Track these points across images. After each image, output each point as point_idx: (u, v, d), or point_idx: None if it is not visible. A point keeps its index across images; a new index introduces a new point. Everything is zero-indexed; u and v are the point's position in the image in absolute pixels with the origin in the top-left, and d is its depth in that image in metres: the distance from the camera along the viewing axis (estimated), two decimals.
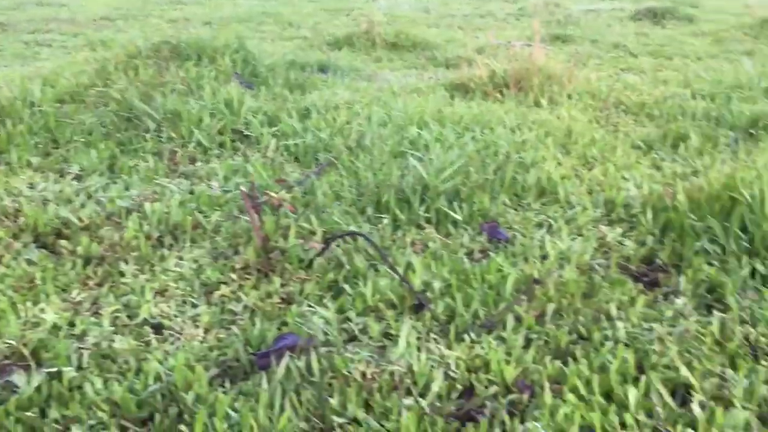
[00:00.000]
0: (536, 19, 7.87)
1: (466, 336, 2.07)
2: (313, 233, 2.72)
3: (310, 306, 2.25)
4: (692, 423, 1.71)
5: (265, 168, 3.38)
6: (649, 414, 1.75)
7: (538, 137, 3.87)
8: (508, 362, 1.93)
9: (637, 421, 1.72)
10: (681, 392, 1.85)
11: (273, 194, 2.70)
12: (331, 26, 8.92)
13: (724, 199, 2.69)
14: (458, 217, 2.87)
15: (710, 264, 2.51)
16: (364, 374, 1.86)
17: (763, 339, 2.05)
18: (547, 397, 1.78)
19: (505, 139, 3.71)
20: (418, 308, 2.23)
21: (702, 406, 1.75)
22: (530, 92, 4.90)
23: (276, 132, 3.88)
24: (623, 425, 1.71)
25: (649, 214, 2.84)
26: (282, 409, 1.74)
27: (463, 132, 3.84)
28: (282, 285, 2.40)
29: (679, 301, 2.26)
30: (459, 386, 1.86)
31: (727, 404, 1.77)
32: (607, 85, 5.37)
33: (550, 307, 2.21)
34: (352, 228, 2.75)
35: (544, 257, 2.60)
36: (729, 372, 1.90)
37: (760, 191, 2.64)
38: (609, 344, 2.03)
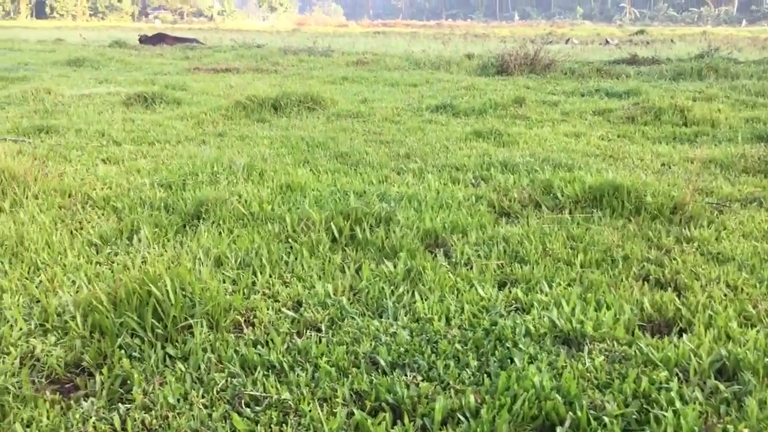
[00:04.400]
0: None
1: None
2: None
3: None
4: None
5: None
6: None
7: None
8: None
9: None
10: None
11: None
12: None
13: (141, 293, 3.01)
14: None
15: (131, 357, 2.77)
16: None
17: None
18: None
19: None
20: None
21: None
22: None
23: None
24: None
25: (79, 318, 2.99)
26: None
27: None
28: None
29: (87, 404, 2.44)
30: None
31: None
32: (81, 179, 5.47)
33: None
34: None
35: None
36: None
37: (171, 281, 3.03)
38: None
